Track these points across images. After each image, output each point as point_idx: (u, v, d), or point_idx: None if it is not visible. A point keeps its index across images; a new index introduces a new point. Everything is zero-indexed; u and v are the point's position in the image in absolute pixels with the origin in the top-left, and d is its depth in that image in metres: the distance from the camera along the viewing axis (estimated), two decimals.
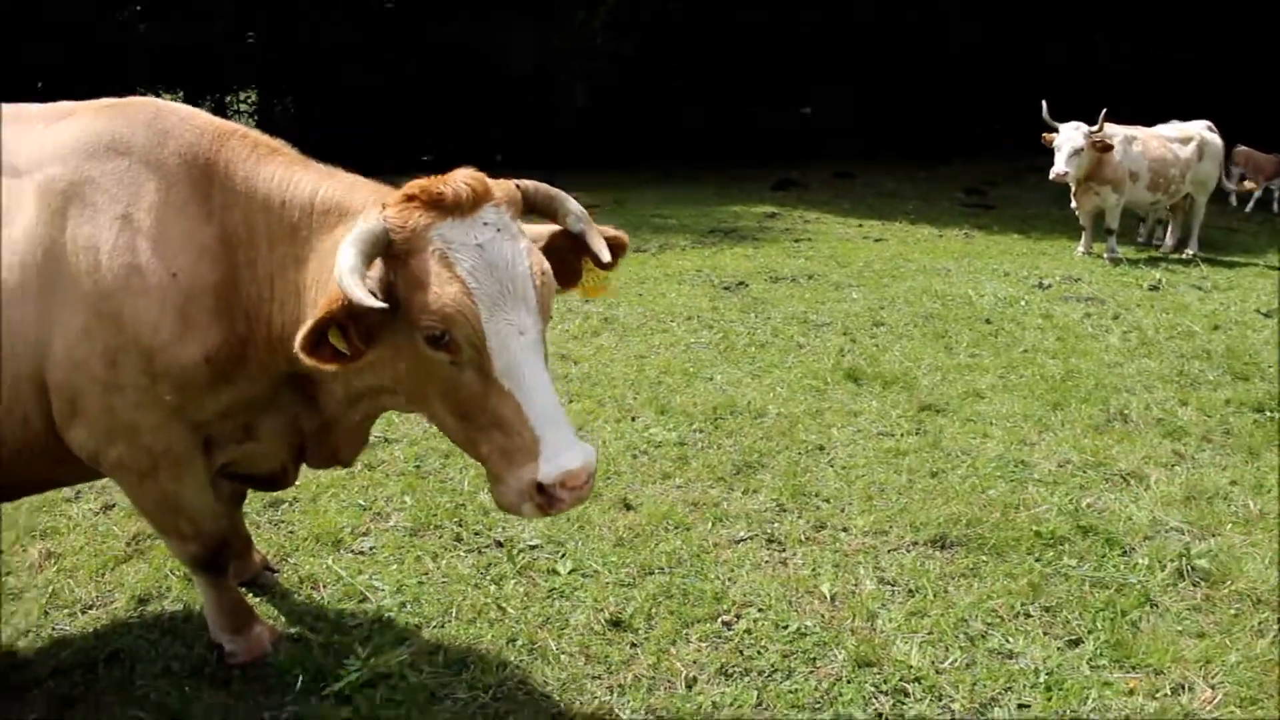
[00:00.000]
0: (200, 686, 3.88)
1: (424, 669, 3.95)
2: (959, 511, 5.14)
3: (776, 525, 5.06)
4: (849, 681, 3.84)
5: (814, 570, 4.64)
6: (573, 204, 3.14)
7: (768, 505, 5.29)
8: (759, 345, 8.38)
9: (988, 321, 9.18)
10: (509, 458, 2.85)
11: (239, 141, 3.40)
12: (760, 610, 4.32)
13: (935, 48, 26.70)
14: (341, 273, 2.68)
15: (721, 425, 6.43)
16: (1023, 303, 10.00)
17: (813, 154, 26.20)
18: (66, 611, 4.47)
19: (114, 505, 5.48)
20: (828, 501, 5.33)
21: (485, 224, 2.84)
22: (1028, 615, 4.28)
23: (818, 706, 3.71)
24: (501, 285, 2.80)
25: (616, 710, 3.70)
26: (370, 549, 4.91)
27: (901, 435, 6.25)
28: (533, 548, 4.85)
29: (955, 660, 3.96)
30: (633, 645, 4.10)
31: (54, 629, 4.35)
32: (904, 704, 3.73)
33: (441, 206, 2.82)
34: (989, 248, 13.64)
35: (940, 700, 3.74)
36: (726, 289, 10.62)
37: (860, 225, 15.59)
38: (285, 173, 3.33)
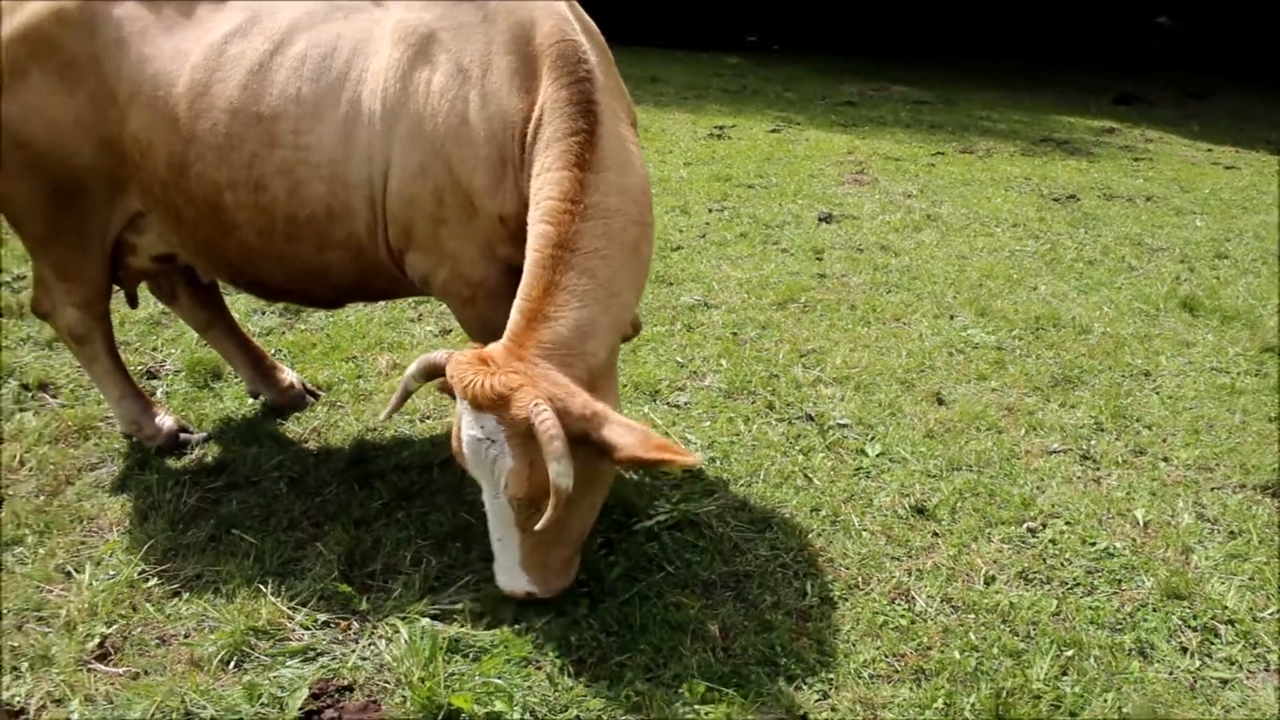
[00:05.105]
0: None
1: (730, 521, 4.14)
2: None
3: (1093, 443, 4.92)
4: (1155, 610, 3.74)
5: (1128, 494, 4.50)
6: (553, 467, 3.03)
7: (1085, 422, 5.13)
8: (1087, 262, 8.00)
9: None
10: None
11: (567, 48, 3.48)
12: (1067, 523, 4.25)
13: None
14: (408, 371, 3.47)
15: (1042, 336, 6.25)
16: None
17: (1163, 68, 24.17)
18: (407, 418, 4.94)
19: (450, 330, 5.96)
20: (1149, 428, 5.12)
21: (482, 428, 3.18)
22: None
23: (1118, 628, 3.64)
24: (485, 474, 3.28)
25: (913, 592, 3.77)
26: (685, 404, 5.13)
27: (1238, 374, 5.87)
28: (842, 426, 4.94)
29: (1276, 611, 3.77)
30: (934, 534, 4.14)
31: (396, 431, 4.83)
32: (1213, 643, 3.60)
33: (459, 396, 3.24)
34: None
35: (1255, 648, 3.58)
36: (1056, 200, 10.14)
37: (1210, 150, 14.35)
38: (570, 108, 3.42)
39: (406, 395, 3.57)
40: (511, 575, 3.42)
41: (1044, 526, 4.23)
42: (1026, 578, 3.90)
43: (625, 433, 3.12)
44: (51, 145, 3.86)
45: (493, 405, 3.12)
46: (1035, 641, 3.53)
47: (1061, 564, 3.99)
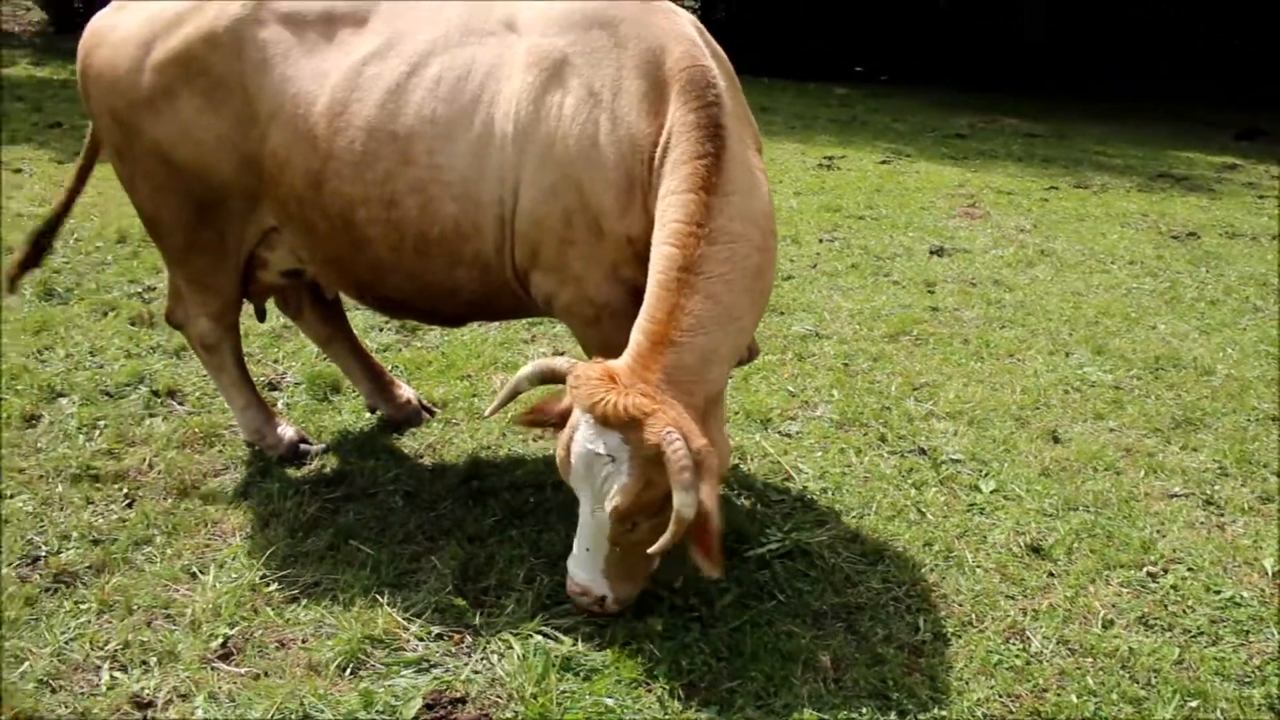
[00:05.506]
0: None
1: (841, 553, 4.11)
2: None
3: (1216, 488, 4.77)
4: None
5: (1255, 541, 4.35)
6: (679, 496, 3.05)
7: (1208, 466, 4.98)
8: (1209, 301, 7.77)
9: None
10: None
11: (697, 73, 3.52)
12: (1190, 570, 4.12)
13: None
14: (522, 371, 3.55)
15: (1162, 376, 6.09)
16: None
17: None
18: (520, 437, 5.00)
19: (564, 353, 6.01)
20: (1278, 475, 4.95)
21: (604, 444, 3.22)
22: None
23: (1247, 680, 3.52)
24: (591, 486, 3.31)
25: (1028, 632, 3.69)
26: (796, 433, 5.12)
27: None
28: (955, 461, 4.87)
29: None
30: (1050, 575, 4.05)
31: (510, 450, 4.89)
32: None
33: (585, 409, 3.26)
34: None
35: None
36: (1175, 238, 9.87)
37: None
38: (698, 132, 3.44)
39: (514, 394, 3.63)
40: (594, 580, 3.48)
41: (1165, 571, 4.11)
42: (1147, 623, 3.80)
43: (700, 500, 3.11)
44: (197, 162, 4.01)
45: (623, 425, 3.16)
46: (1157, 689, 3.43)
47: (1184, 611, 3.88)
